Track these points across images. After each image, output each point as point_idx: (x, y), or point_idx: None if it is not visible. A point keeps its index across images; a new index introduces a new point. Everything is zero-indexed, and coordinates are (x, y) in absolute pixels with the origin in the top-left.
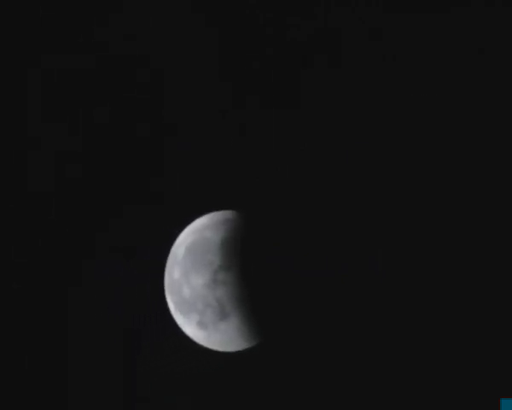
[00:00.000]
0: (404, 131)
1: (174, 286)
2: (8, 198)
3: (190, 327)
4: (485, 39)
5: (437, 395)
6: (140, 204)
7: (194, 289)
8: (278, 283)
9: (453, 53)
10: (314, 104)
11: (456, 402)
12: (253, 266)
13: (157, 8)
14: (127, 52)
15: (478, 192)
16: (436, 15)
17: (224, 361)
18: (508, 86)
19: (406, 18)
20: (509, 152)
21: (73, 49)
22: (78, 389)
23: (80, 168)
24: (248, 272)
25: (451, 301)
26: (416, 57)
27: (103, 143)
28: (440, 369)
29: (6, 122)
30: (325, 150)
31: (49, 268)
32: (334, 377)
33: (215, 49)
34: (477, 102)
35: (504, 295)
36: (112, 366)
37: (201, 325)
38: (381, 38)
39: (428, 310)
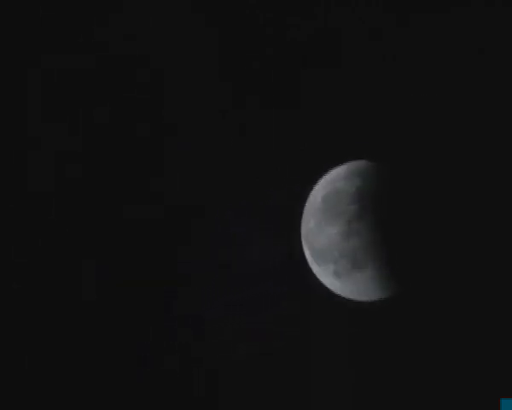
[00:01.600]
0: (403, 131)
1: (310, 236)
2: (8, 198)
3: (327, 276)
4: (485, 39)
5: (437, 395)
6: None
7: (328, 239)
8: (413, 233)
9: (453, 53)
10: (314, 104)
11: (456, 402)
12: (387, 215)
13: (157, 8)
14: (127, 52)
15: (478, 192)
16: (436, 15)
17: (360, 311)
18: (508, 86)
19: (406, 18)
20: (509, 152)
21: (73, 50)
22: None
23: (80, 168)
24: (382, 222)
25: (451, 301)
26: (416, 57)
27: (103, 143)
28: (440, 369)
29: (6, 122)
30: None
31: (49, 268)
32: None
33: (215, 49)
34: (477, 102)
35: (504, 295)
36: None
37: (337, 274)
38: (381, 38)
39: (428, 310)
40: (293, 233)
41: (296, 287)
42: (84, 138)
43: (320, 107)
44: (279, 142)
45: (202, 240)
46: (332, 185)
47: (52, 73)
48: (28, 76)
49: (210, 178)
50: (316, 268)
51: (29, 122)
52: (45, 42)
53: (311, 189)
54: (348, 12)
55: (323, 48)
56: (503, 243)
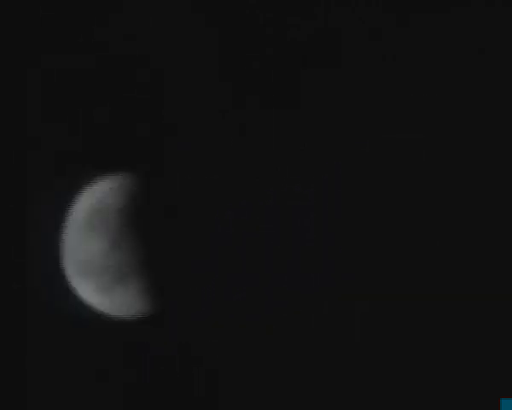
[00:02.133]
0: (404, 131)
1: (71, 250)
2: (7, 198)
3: (88, 292)
4: (485, 39)
5: (437, 395)
6: None
7: (92, 253)
8: (178, 249)
9: (453, 53)
10: (314, 104)
11: (457, 402)
12: (151, 231)
13: (157, 8)
14: (127, 52)
15: (479, 192)
16: (436, 15)
17: (125, 326)
18: (508, 86)
19: (406, 18)
20: (509, 152)
21: (73, 50)
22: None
23: (80, 168)
24: (147, 238)
25: (452, 301)
26: (416, 57)
27: (103, 143)
28: (440, 369)
29: (6, 122)
30: (324, 150)
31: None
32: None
33: (215, 48)
34: (477, 103)
35: (504, 295)
36: None
37: (98, 289)
38: (381, 38)
39: (429, 310)
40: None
41: (55, 302)
42: (84, 138)
43: (320, 107)
44: (278, 141)
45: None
46: (95, 199)
47: (52, 73)
48: (28, 76)
49: (209, 177)
50: (75, 282)
51: (29, 122)
52: (45, 42)
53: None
54: (348, 12)
55: (323, 48)
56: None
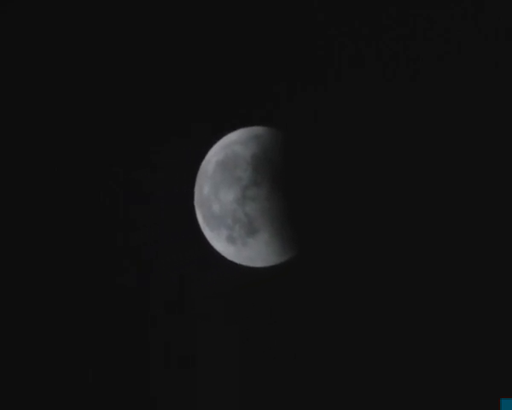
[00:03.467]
0: (301, 99)
1: (204, 202)
2: (7, 198)
3: (220, 242)
4: (485, 39)
5: (437, 395)
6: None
7: (223, 205)
8: (309, 198)
9: (453, 53)
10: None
11: (457, 402)
12: (284, 181)
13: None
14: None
15: (479, 193)
16: (436, 14)
17: (253, 276)
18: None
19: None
20: (509, 152)
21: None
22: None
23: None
24: (278, 188)
25: (451, 301)
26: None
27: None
28: (440, 369)
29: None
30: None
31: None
32: (363, 293)
33: (215, 48)
34: (478, 103)
35: (504, 295)
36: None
37: (231, 240)
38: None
39: (429, 310)
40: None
41: (190, 253)
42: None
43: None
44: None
45: None
46: (227, 150)
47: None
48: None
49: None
50: (208, 234)
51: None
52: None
53: (205, 154)
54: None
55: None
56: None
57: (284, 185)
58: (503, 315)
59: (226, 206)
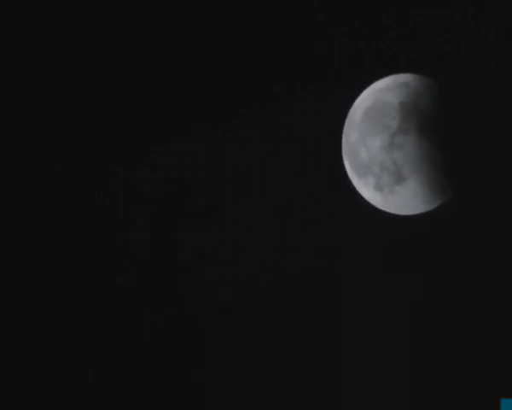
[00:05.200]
0: (452, 49)
1: (351, 149)
2: (8, 198)
3: (367, 190)
4: (485, 39)
5: (437, 395)
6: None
7: (371, 152)
8: (457, 148)
9: (453, 53)
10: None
11: (457, 402)
12: (431, 130)
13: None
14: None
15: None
16: (436, 14)
17: (401, 224)
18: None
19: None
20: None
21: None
22: None
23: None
24: (426, 136)
25: (451, 301)
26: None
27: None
28: (441, 369)
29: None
30: None
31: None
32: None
33: (215, 49)
34: (478, 103)
35: (504, 296)
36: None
37: (378, 187)
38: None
39: (429, 310)
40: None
41: (337, 200)
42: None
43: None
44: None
45: None
46: (374, 98)
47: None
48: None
49: None
50: (356, 181)
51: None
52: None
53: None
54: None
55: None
56: None
57: (432, 133)
58: (503, 315)
59: (373, 153)
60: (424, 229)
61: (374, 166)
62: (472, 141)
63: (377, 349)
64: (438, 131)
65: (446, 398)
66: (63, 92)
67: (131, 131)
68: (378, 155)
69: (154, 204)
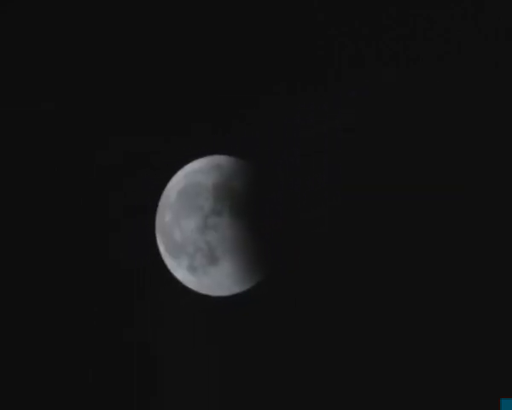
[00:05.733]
0: (265, 129)
1: (165, 229)
2: (8, 199)
3: (181, 271)
4: (485, 39)
5: (437, 395)
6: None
7: (185, 233)
8: (269, 228)
9: (453, 53)
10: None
11: (457, 402)
12: (244, 211)
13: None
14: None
15: (478, 193)
16: (436, 14)
17: (215, 305)
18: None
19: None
20: (509, 153)
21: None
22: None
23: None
24: (239, 218)
25: (451, 301)
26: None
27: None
28: (440, 369)
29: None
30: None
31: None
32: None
33: (215, 49)
34: (478, 104)
35: (504, 296)
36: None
37: (191, 269)
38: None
39: (429, 310)
40: (147, 228)
41: (150, 282)
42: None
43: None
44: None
45: None
46: (188, 179)
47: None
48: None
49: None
50: (169, 262)
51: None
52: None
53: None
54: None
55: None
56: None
57: (245, 216)
58: (503, 315)
59: (187, 233)
60: (237, 309)
61: (187, 246)
62: (283, 224)
63: None
64: (250, 211)
65: (446, 398)
66: (62, 92)
67: (131, 131)
68: (192, 235)
69: (153, 204)
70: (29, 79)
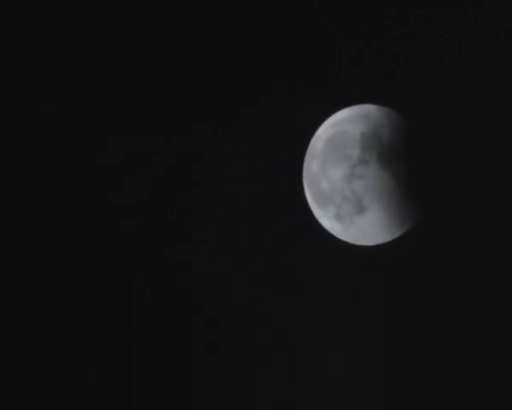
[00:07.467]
0: (415, 79)
1: (312, 179)
2: (8, 198)
3: (328, 220)
4: (485, 39)
5: (437, 396)
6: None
7: (331, 182)
8: (416, 180)
9: (453, 53)
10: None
11: (456, 402)
12: (392, 161)
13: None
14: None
15: (479, 192)
16: (436, 14)
17: (361, 254)
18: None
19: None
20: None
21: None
22: None
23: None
24: (386, 167)
25: (451, 301)
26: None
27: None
28: (440, 369)
29: None
30: None
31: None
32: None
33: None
34: (478, 103)
35: (504, 295)
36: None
37: (338, 218)
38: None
39: (428, 309)
40: (294, 177)
41: (297, 230)
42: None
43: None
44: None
45: None
46: (336, 129)
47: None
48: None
49: None
50: (317, 211)
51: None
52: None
53: (314, 132)
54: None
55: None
56: None
57: (393, 165)
58: (504, 315)
59: (334, 183)
60: (384, 259)
61: (334, 195)
62: (430, 175)
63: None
64: (398, 162)
65: (447, 398)
66: (62, 92)
67: (131, 131)
68: (339, 184)
69: (153, 204)
70: (29, 79)
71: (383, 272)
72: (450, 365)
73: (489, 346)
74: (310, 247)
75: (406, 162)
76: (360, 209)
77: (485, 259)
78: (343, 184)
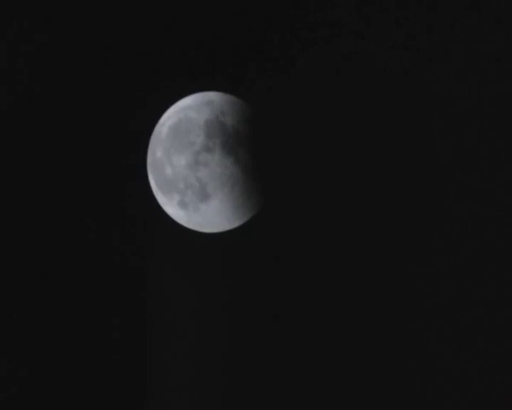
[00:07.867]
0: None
1: (156, 165)
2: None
3: (171, 207)
4: (485, 39)
5: (436, 395)
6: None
7: (175, 169)
8: (261, 166)
9: (453, 53)
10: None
11: (456, 402)
12: (236, 148)
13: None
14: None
15: (478, 193)
16: (437, 14)
17: (205, 241)
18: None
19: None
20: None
21: None
22: None
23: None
24: (230, 155)
25: (451, 301)
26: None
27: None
28: (440, 369)
29: None
30: None
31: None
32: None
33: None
34: (478, 103)
35: (504, 295)
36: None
37: (182, 205)
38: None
39: (428, 309)
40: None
41: (140, 217)
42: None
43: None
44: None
45: None
46: (180, 115)
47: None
48: None
49: None
50: (161, 198)
51: None
52: None
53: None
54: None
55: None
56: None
57: (237, 152)
58: (503, 315)
59: (178, 170)
60: (227, 246)
61: (178, 182)
62: (278, 161)
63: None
64: (242, 150)
65: (446, 398)
66: (61, 92)
67: (131, 131)
68: (183, 171)
69: (153, 204)
70: (29, 80)
71: (227, 259)
72: (293, 354)
73: (335, 337)
74: (153, 234)
75: (250, 150)
76: (204, 196)
77: (326, 247)
78: (187, 171)
